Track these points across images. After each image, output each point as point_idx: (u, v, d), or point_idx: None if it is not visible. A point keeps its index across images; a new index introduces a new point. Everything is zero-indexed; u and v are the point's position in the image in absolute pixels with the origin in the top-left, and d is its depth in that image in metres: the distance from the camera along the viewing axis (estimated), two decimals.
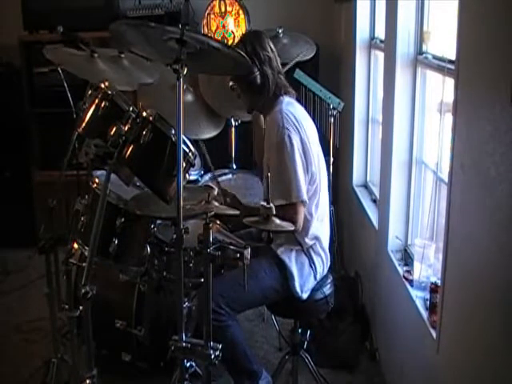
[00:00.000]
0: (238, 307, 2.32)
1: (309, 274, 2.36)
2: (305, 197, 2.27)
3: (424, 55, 2.52)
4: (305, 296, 2.36)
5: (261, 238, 2.46)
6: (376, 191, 3.37)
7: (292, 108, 2.39)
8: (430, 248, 2.39)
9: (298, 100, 2.56)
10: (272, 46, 2.44)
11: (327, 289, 2.40)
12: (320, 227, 2.41)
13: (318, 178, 2.37)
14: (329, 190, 2.59)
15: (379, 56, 3.36)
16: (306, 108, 2.92)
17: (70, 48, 2.53)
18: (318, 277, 2.40)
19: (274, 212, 1.91)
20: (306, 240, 2.36)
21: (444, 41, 2.32)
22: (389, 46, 2.78)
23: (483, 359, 1.70)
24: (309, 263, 2.36)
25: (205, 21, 4.23)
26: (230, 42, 4.18)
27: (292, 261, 2.34)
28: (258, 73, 2.36)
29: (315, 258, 2.38)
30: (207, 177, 3.11)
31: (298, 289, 2.34)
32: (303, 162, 2.29)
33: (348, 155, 3.84)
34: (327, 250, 2.45)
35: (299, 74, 3.37)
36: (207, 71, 2.59)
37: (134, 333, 2.60)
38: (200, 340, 1.87)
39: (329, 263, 2.46)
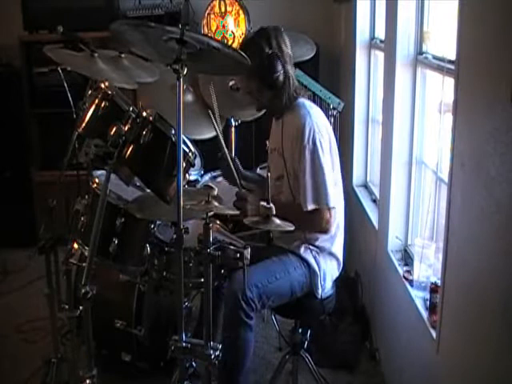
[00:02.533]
0: (266, 300, 2.28)
1: (327, 273, 2.36)
2: (334, 202, 2.27)
3: (424, 55, 2.52)
4: (319, 296, 2.34)
5: (264, 238, 2.47)
6: (376, 191, 3.37)
7: (316, 112, 2.34)
8: (429, 248, 2.39)
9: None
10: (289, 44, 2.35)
11: (330, 289, 2.40)
12: (338, 230, 2.41)
13: (339, 181, 2.38)
14: None
15: (379, 56, 3.36)
16: None
17: (69, 50, 2.53)
18: (333, 278, 2.41)
19: (274, 212, 1.90)
20: (327, 244, 2.37)
21: (444, 41, 2.32)
22: (389, 46, 2.78)
23: (483, 359, 1.70)
24: (326, 261, 2.37)
25: (205, 21, 4.23)
26: (230, 42, 4.18)
27: (311, 258, 2.33)
28: (282, 71, 2.29)
29: (333, 260, 2.39)
30: (207, 177, 3.11)
31: (319, 286, 2.33)
32: (331, 168, 2.28)
33: (348, 155, 3.83)
34: (342, 239, 2.45)
35: (299, 74, 3.36)
36: (207, 71, 2.58)
37: (134, 333, 2.60)
38: (200, 340, 1.87)
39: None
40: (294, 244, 2.36)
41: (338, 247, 2.42)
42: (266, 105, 2.44)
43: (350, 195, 3.78)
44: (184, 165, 1.95)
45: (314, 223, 2.28)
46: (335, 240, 2.40)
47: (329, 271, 2.38)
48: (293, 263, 2.34)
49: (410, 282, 2.46)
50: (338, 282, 2.47)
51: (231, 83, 2.79)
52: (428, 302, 2.24)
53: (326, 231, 2.31)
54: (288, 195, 2.34)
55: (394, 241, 2.78)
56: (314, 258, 2.34)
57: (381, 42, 3.27)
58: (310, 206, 2.22)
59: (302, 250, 2.35)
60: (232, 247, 1.89)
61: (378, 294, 3.05)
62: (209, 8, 4.22)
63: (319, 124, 2.27)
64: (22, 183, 4.32)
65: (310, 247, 2.34)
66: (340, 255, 2.43)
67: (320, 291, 2.34)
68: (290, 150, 2.29)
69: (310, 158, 2.23)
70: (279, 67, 2.28)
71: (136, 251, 2.33)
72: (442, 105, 2.33)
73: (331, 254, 2.39)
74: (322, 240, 2.36)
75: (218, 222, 2.60)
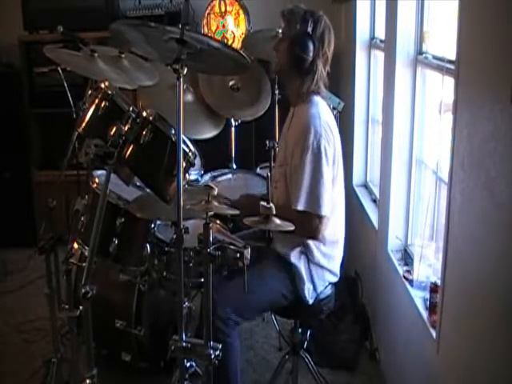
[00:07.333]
0: (245, 314, 2.27)
1: (318, 280, 2.33)
2: (327, 211, 2.22)
3: (424, 55, 2.52)
4: (311, 301, 2.32)
5: (264, 238, 2.46)
6: (376, 191, 3.37)
7: (327, 116, 2.29)
8: (429, 248, 2.39)
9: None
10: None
11: (329, 289, 2.40)
12: (336, 231, 2.39)
13: (337, 187, 2.36)
14: None
15: (379, 56, 3.36)
16: None
17: (69, 49, 2.53)
18: (327, 284, 2.38)
19: (274, 212, 1.90)
20: (322, 247, 2.33)
21: (444, 41, 2.32)
22: (389, 46, 2.78)
23: (483, 359, 1.70)
24: (318, 271, 2.33)
25: (205, 21, 4.24)
26: (230, 42, 4.19)
27: (302, 264, 2.29)
28: (310, 58, 2.21)
29: (327, 272, 2.35)
30: (207, 177, 3.11)
31: (306, 293, 2.30)
32: (331, 179, 2.25)
33: (348, 155, 3.83)
34: (341, 255, 2.42)
35: None
36: (207, 71, 2.59)
37: (133, 333, 2.60)
38: (200, 340, 1.87)
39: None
40: (289, 249, 2.31)
41: (335, 263, 2.38)
42: (286, 85, 2.38)
43: (350, 195, 3.78)
44: (184, 165, 1.95)
45: (303, 226, 2.19)
46: (333, 256, 2.36)
47: (320, 282, 2.33)
48: (272, 272, 2.30)
49: (410, 282, 2.46)
50: (337, 283, 2.46)
51: (231, 83, 2.79)
52: (428, 302, 2.24)
53: (314, 237, 2.26)
54: (284, 186, 2.30)
55: (393, 241, 2.78)
56: (308, 266, 2.29)
57: (381, 41, 3.27)
58: (301, 207, 2.18)
59: (295, 256, 2.29)
60: (232, 247, 1.89)
61: (378, 294, 3.05)
62: (209, 8, 4.22)
63: (327, 129, 2.23)
64: (22, 183, 4.32)
65: (308, 257, 2.30)
66: (336, 269, 2.39)
67: (309, 298, 2.31)
68: (293, 143, 2.25)
69: (313, 159, 2.18)
70: (310, 52, 2.21)
71: (136, 251, 2.33)
72: (441, 105, 2.33)
73: (324, 268, 2.34)
74: (320, 253, 2.31)
75: (218, 222, 2.60)
